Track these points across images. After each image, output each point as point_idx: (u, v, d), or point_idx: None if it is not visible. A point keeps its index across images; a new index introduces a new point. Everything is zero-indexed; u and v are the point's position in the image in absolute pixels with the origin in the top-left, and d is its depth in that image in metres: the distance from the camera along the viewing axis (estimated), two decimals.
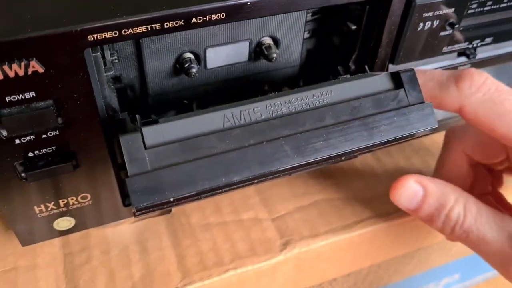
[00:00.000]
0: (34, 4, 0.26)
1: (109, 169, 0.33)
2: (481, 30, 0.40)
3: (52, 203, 0.34)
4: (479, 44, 0.42)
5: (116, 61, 0.33)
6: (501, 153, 0.40)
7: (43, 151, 0.30)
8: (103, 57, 0.31)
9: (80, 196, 0.34)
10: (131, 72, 0.35)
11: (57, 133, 0.29)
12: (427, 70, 0.37)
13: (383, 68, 0.38)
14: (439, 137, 0.43)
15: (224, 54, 0.36)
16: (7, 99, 0.26)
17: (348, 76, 0.36)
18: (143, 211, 0.29)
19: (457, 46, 0.40)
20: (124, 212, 0.37)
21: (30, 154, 0.30)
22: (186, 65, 0.34)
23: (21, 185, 0.31)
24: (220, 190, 0.30)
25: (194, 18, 0.28)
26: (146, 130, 0.28)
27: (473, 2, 0.37)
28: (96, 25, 0.25)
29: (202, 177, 0.29)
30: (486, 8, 0.39)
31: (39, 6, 0.26)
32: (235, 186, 0.30)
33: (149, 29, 0.27)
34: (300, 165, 0.31)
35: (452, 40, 0.39)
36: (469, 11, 0.38)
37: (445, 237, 0.38)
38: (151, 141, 0.29)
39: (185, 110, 0.31)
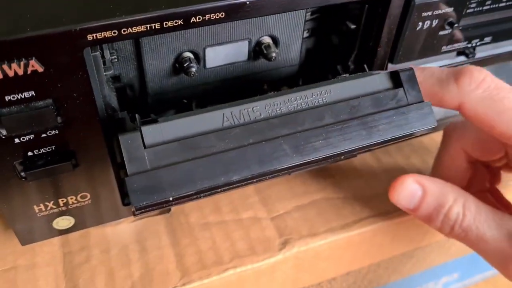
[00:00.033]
0: (34, 3, 0.26)
1: (109, 168, 0.33)
2: (480, 29, 0.41)
3: (52, 202, 0.34)
4: (478, 43, 0.42)
5: (116, 60, 0.33)
6: (499, 151, 0.40)
7: (42, 150, 0.30)
8: (103, 56, 0.31)
9: (80, 195, 0.34)
10: (130, 71, 0.35)
11: (57, 132, 0.29)
12: (426, 67, 0.37)
13: (382, 67, 0.38)
14: (438, 136, 0.43)
15: (224, 53, 0.36)
16: (7, 98, 0.26)
17: (347, 75, 0.36)
18: (143, 210, 0.29)
19: (456, 45, 0.41)
20: (123, 211, 0.37)
21: (30, 153, 0.30)
22: (185, 65, 0.34)
23: (20, 184, 0.31)
24: (219, 189, 0.30)
25: (193, 18, 0.28)
26: (145, 129, 0.29)
27: (472, 1, 0.37)
28: (96, 24, 0.25)
29: (202, 176, 0.29)
30: (485, 8, 0.39)
31: (39, 5, 0.26)
32: (234, 185, 0.30)
33: (148, 29, 0.27)
34: (299, 164, 0.31)
35: (451, 39, 0.40)
36: (468, 11, 0.38)
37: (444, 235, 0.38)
38: (150, 140, 0.29)
39: (185, 110, 0.31)
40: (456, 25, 0.38)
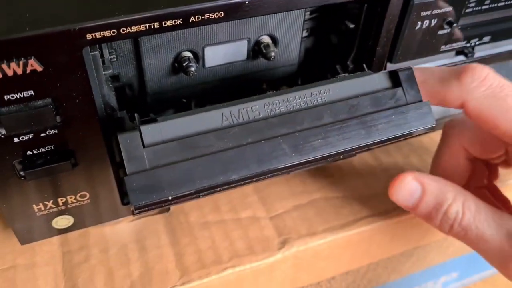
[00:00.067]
0: (33, 3, 0.26)
1: (108, 167, 0.33)
2: (479, 29, 0.41)
3: (51, 201, 0.34)
4: (477, 43, 0.42)
5: (115, 59, 0.33)
6: (500, 148, 0.39)
7: (41, 149, 0.30)
8: (102, 55, 0.31)
9: (79, 194, 0.34)
10: (129, 70, 0.35)
11: (56, 131, 0.29)
12: (427, 67, 0.36)
13: (381, 67, 0.38)
14: (437, 135, 0.43)
15: (223, 52, 0.36)
16: (6, 97, 0.26)
17: (346, 74, 0.36)
18: (142, 210, 0.29)
19: (455, 45, 0.41)
20: (122, 210, 0.37)
21: (29, 152, 0.30)
22: (184, 64, 0.34)
23: (19, 183, 0.31)
24: (218, 189, 0.30)
25: (192, 17, 0.28)
26: (144, 128, 0.29)
27: (471, 1, 0.37)
28: (95, 23, 0.25)
29: (201, 175, 0.29)
30: (484, 7, 0.39)
31: (38, 5, 0.26)
32: (233, 185, 0.30)
33: (147, 28, 0.27)
34: (298, 163, 0.31)
35: (450, 39, 0.40)
36: (467, 10, 0.38)
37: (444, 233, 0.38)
38: (149, 139, 0.29)
39: (184, 109, 0.31)
40: (455, 24, 0.38)
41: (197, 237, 0.39)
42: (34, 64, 0.25)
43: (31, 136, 0.29)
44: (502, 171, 0.43)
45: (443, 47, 0.40)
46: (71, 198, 0.34)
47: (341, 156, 0.33)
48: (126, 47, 0.33)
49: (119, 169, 0.34)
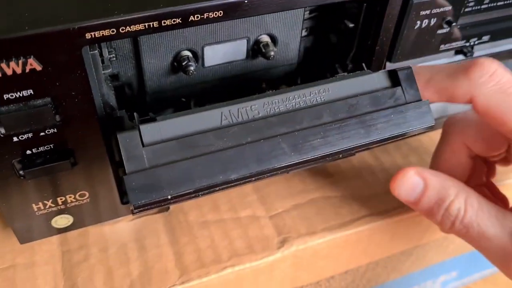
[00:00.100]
0: (33, 2, 0.26)
1: (107, 166, 0.33)
2: (478, 28, 0.41)
3: (50, 200, 0.34)
4: (476, 42, 0.42)
5: (114, 59, 0.33)
6: (502, 146, 0.39)
7: (41, 148, 0.30)
8: (101, 55, 0.31)
9: (78, 193, 0.34)
10: (129, 70, 0.35)
11: (55, 130, 0.29)
12: (432, 65, 0.36)
13: (381, 66, 0.38)
14: (436, 135, 0.43)
15: (222, 52, 0.36)
16: (5, 96, 0.26)
17: (346, 74, 0.37)
18: (141, 209, 0.29)
19: (454, 44, 0.41)
20: (122, 210, 0.38)
21: (28, 151, 0.30)
22: (183, 63, 0.34)
23: (19, 182, 0.31)
24: (217, 188, 0.30)
25: (191, 16, 0.28)
26: (144, 127, 0.29)
27: (470, 0, 0.38)
28: (94, 23, 0.25)
29: (200, 174, 0.29)
30: (483, 6, 0.39)
31: (37, 4, 0.26)
32: (232, 184, 0.30)
33: (146, 27, 0.27)
34: (298, 162, 0.31)
35: (449, 38, 0.40)
36: (466, 9, 0.38)
37: (441, 230, 0.38)
38: (149, 138, 0.29)
39: (183, 108, 0.31)
40: (454, 23, 0.38)
41: (197, 236, 0.39)
42: (33, 63, 0.25)
43: (30, 135, 0.29)
44: (498, 169, 0.43)
45: (442, 46, 0.40)
46: (70, 197, 0.34)
47: (340, 155, 0.33)
48: (126, 46, 0.33)
49: (118, 168, 0.34)
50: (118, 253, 0.38)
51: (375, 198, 0.43)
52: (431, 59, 0.41)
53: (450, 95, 0.34)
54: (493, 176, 0.43)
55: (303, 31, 0.38)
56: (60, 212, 0.35)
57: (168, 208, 0.41)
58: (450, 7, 0.37)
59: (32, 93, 0.27)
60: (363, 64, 0.37)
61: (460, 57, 0.42)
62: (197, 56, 0.35)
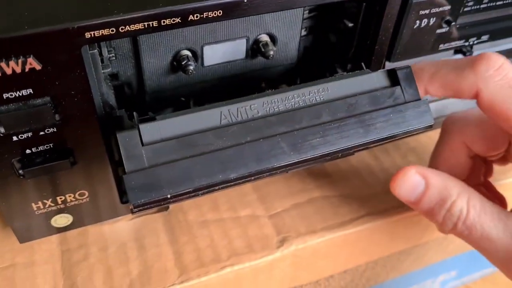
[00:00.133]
0: (32, 1, 0.26)
1: (107, 166, 0.33)
2: (477, 28, 0.41)
3: (50, 200, 0.34)
4: (475, 42, 0.42)
5: (113, 58, 0.34)
6: (503, 145, 0.38)
7: (40, 148, 0.30)
8: (100, 54, 0.31)
9: (78, 193, 0.34)
10: (128, 69, 0.35)
11: (55, 130, 0.29)
12: (437, 60, 0.35)
13: (380, 66, 0.38)
14: (436, 134, 0.43)
15: (221, 51, 0.36)
16: (5, 96, 0.26)
17: (345, 73, 0.37)
18: (141, 208, 0.29)
19: (453, 44, 0.41)
20: (121, 209, 0.38)
21: (28, 151, 0.30)
22: (183, 63, 0.34)
23: (18, 182, 0.31)
24: (217, 187, 0.30)
25: (190, 16, 0.28)
26: (143, 127, 0.29)
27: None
28: (93, 22, 0.25)
29: (199, 173, 0.29)
30: (482, 6, 0.39)
31: (37, 3, 0.26)
32: (232, 183, 0.30)
33: (146, 27, 0.27)
34: (297, 162, 0.31)
35: (448, 38, 0.40)
36: (466, 9, 0.38)
37: (441, 231, 0.37)
38: (148, 138, 0.29)
39: (182, 108, 0.31)
40: (453, 23, 0.38)
41: (196, 235, 0.39)
42: (33, 63, 0.25)
43: (30, 134, 0.29)
44: (496, 169, 0.43)
45: (442, 46, 0.40)
46: (70, 196, 0.34)
47: (340, 155, 0.33)
48: (125, 45, 0.33)
49: (118, 168, 0.34)
50: (118, 252, 0.38)
51: (374, 198, 0.43)
52: (430, 59, 0.41)
53: (456, 89, 0.34)
54: (490, 176, 0.43)
55: (303, 30, 0.38)
56: (59, 211, 0.35)
57: (168, 207, 0.41)
58: (449, 7, 0.37)
59: (32, 92, 0.27)
60: (362, 64, 0.37)
61: (459, 56, 0.42)
62: (197, 56, 0.35)
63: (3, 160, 0.30)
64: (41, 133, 0.29)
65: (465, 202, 0.34)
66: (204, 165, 0.29)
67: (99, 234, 0.39)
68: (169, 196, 0.29)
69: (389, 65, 0.39)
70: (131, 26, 0.26)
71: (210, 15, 0.28)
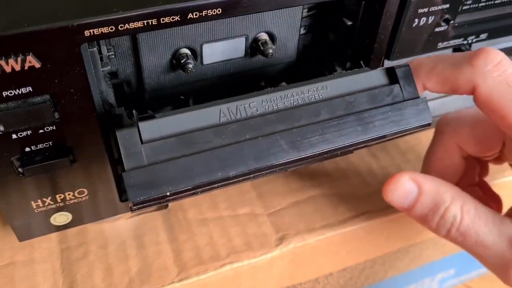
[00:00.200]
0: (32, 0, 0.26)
1: (106, 164, 0.33)
2: (476, 26, 0.41)
3: (49, 198, 0.34)
4: (474, 40, 0.42)
5: (113, 56, 0.34)
6: (496, 146, 0.38)
7: (40, 146, 0.30)
8: (100, 52, 0.31)
9: (77, 191, 0.34)
10: (127, 67, 0.35)
11: (54, 128, 0.29)
12: (435, 55, 0.35)
13: (379, 64, 0.38)
14: None
15: (221, 49, 0.36)
16: (4, 94, 0.26)
17: (344, 71, 0.37)
18: (140, 206, 0.29)
19: (452, 42, 0.41)
20: (121, 207, 0.38)
21: (27, 149, 0.30)
22: (182, 61, 0.34)
23: (18, 180, 0.31)
24: (216, 185, 0.30)
25: (190, 14, 0.28)
26: (142, 125, 0.29)
27: None
28: (93, 20, 0.25)
29: (199, 171, 0.29)
30: (481, 4, 0.39)
31: (36, 1, 0.26)
32: (231, 181, 0.30)
33: (145, 25, 0.27)
34: (296, 159, 0.31)
35: (447, 36, 0.40)
36: (464, 7, 0.38)
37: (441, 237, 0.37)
38: (147, 135, 0.29)
39: (182, 106, 0.31)
40: (452, 21, 0.38)
41: (195, 233, 0.39)
42: (32, 61, 0.25)
43: (29, 132, 0.29)
44: (491, 168, 0.43)
45: (440, 44, 0.40)
46: (69, 194, 0.34)
47: (339, 153, 0.33)
48: (124, 43, 0.33)
49: (117, 166, 0.34)
50: (117, 250, 0.38)
51: (373, 196, 0.43)
52: None
53: (453, 85, 0.33)
54: (485, 175, 0.43)
55: (302, 29, 0.38)
56: (59, 209, 0.35)
57: (167, 205, 0.41)
58: (448, 5, 0.37)
59: (31, 90, 0.27)
60: (361, 62, 0.37)
61: None
62: (196, 54, 0.35)
63: (3, 158, 0.30)
64: (41, 131, 0.29)
65: (459, 208, 0.34)
66: (203, 163, 0.29)
67: (99, 232, 0.39)
68: (168, 194, 0.29)
69: (388, 63, 0.39)
70: (130, 24, 0.27)
71: (210, 13, 0.28)
